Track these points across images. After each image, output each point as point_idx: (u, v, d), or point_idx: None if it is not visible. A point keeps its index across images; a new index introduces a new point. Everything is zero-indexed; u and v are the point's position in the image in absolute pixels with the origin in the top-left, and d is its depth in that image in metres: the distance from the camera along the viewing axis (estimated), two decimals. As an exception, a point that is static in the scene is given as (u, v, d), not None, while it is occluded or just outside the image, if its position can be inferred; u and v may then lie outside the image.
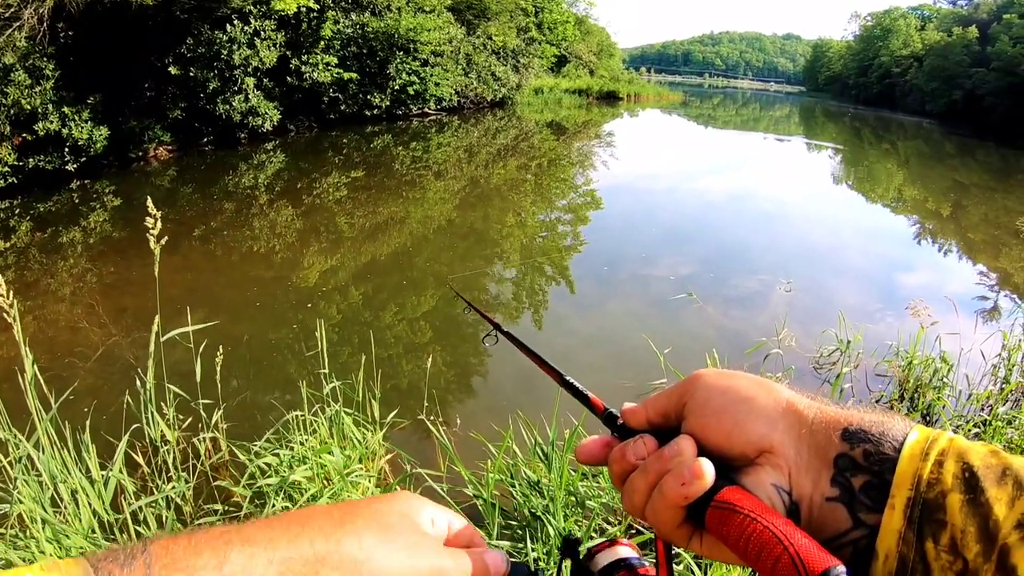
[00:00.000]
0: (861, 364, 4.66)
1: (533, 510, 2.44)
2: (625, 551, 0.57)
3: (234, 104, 13.50)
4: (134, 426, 2.66)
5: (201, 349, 2.85)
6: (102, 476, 2.39)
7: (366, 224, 8.79)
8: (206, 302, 5.83)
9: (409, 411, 3.77)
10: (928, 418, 3.90)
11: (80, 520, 2.25)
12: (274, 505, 2.46)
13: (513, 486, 2.60)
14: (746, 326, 5.69)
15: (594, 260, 7.75)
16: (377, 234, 8.33)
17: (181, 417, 3.02)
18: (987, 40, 42.72)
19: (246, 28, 13.37)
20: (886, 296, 6.99)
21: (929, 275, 8.30)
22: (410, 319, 5.65)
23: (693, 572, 2.10)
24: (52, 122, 9.95)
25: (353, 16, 17.11)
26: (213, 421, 2.97)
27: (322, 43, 15.76)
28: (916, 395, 4.11)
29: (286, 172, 12.30)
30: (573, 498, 2.53)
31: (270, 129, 14.68)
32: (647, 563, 0.55)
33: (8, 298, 2.13)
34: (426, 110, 20.61)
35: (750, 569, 0.37)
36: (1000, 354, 4.24)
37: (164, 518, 2.41)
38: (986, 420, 3.55)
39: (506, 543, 2.38)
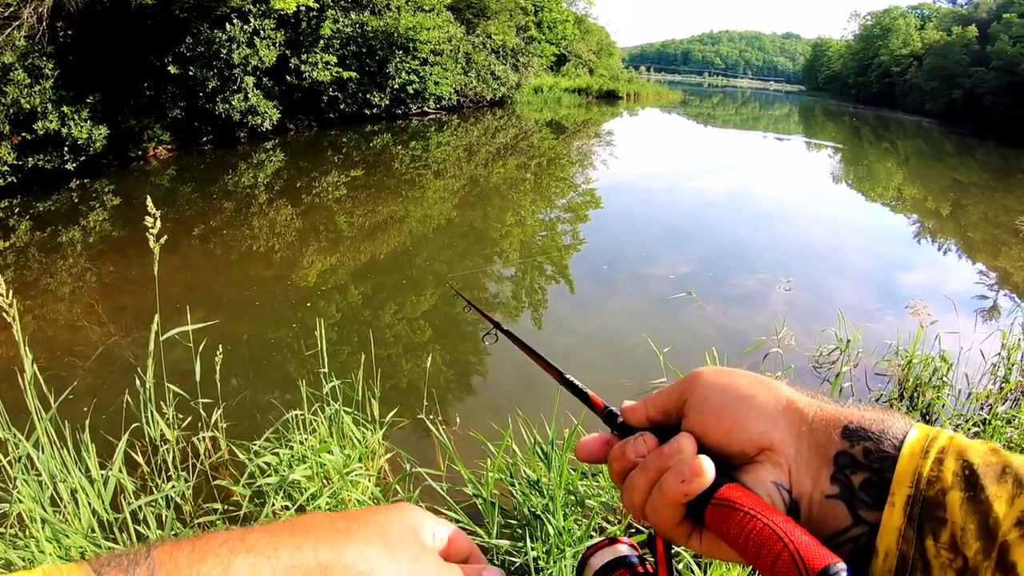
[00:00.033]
0: (861, 363, 4.66)
1: (533, 509, 2.44)
2: (625, 549, 0.57)
3: (233, 103, 13.49)
4: (134, 425, 2.66)
5: (200, 348, 2.85)
6: (102, 475, 2.39)
7: (365, 223, 8.79)
8: (205, 301, 5.83)
9: (409, 410, 3.77)
10: (928, 417, 3.90)
11: (80, 519, 2.25)
12: (274, 504, 2.46)
13: (513, 485, 2.60)
14: (746, 325, 5.69)
15: (594, 259, 7.75)
16: (376, 233, 8.33)
17: (181, 416, 3.03)
18: (987, 39, 42.73)
19: (245, 27, 13.36)
20: (886, 295, 6.99)
21: (929, 274, 8.30)
22: (409, 318, 5.65)
23: (693, 571, 2.10)
24: (51, 121, 9.94)
25: (352, 15, 17.10)
26: (213, 420, 2.97)
27: (321, 42, 15.75)
28: (916, 394, 4.11)
29: (285, 171, 12.30)
30: (573, 497, 2.53)
31: (269, 128, 14.67)
32: (647, 561, 0.55)
33: (7, 297, 2.13)
34: (425, 109, 20.60)
35: (750, 568, 0.38)
36: (1000, 353, 4.24)
37: (164, 517, 2.41)
38: (985, 419, 3.56)
39: (505, 542, 2.38)
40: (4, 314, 2.14)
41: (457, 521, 2.47)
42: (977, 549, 0.35)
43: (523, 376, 4.53)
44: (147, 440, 2.75)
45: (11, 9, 9.68)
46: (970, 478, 0.37)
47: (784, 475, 0.42)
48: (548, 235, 8.80)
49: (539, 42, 29.77)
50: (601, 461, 0.50)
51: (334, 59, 16.02)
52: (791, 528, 0.38)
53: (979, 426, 3.55)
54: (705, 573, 2.11)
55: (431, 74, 19.48)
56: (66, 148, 10.32)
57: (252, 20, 13.48)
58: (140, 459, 2.73)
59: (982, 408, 3.85)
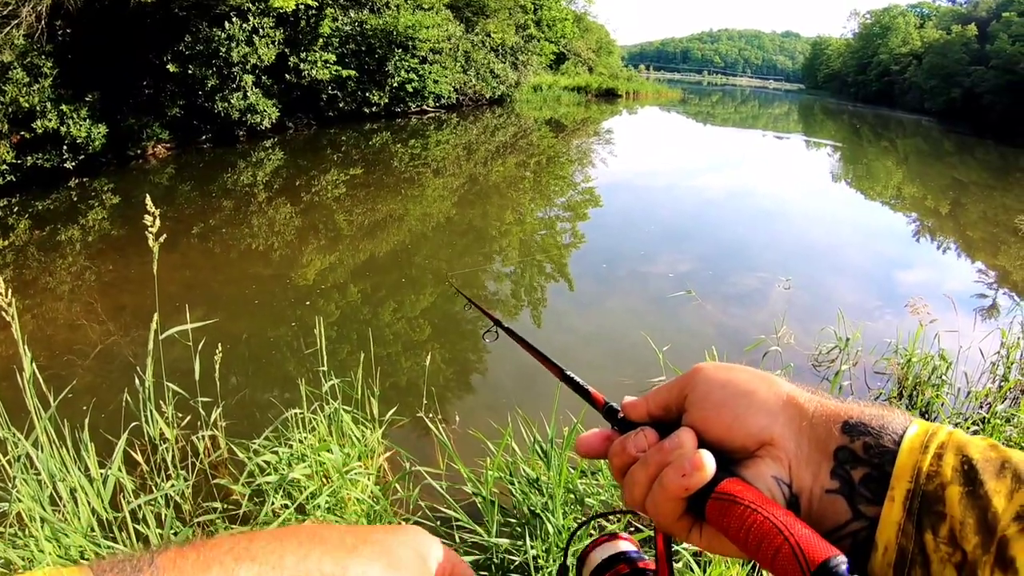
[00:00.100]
0: (860, 362, 4.66)
1: (532, 508, 2.44)
2: (625, 545, 0.57)
3: (232, 102, 13.48)
4: (133, 424, 2.66)
5: (200, 347, 2.85)
6: (101, 474, 2.39)
7: (365, 221, 8.78)
8: (205, 300, 5.82)
9: (408, 409, 3.77)
10: (927, 416, 3.90)
11: (79, 519, 2.25)
12: (273, 503, 2.46)
13: (512, 484, 2.60)
14: (745, 324, 5.69)
15: (593, 257, 7.75)
16: (376, 231, 8.33)
17: (180, 415, 3.02)
18: (986, 38, 42.74)
19: (244, 25, 13.35)
20: (885, 294, 6.99)
21: (928, 273, 8.30)
22: (409, 317, 5.65)
23: (692, 570, 2.10)
24: (50, 120, 9.93)
25: (352, 13, 17.09)
26: (212, 419, 2.97)
27: (320, 40, 15.73)
28: (915, 393, 4.12)
29: (284, 170, 12.29)
30: (572, 495, 2.53)
31: (268, 127, 14.66)
32: (647, 557, 0.56)
33: (7, 296, 2.12)
34: (425, 107, 20.58)
35: (749, 567, 0.38)
36: (999, 352, 4.25)
37: (163, 516, 2.41)
38: (985, 418, 3.56)
39: (505, 540, 2.38)
40: (3, 313, 2.14)
41: (456, 520, 2.47)
42: (976, 543, 0.35)
43: (522, 374, 4.53)
44: (146, 439, 2.75)
45: (10, 8, 9.66)
46: (969, 473, 0.37)
47: (784, 470, 0.42)
48: (547, 233, 8.80)
49: (538, 40, 29.73)
50: (601, 456, 0.50)
51: (333, 57, 16.01)
52: (791, 521, 0.38)
53: (978, 424, 3.55)
54: (705, 572, 2.11)
55: (430, 72, 19.47)
56: (65, 147, 10.31)
57: (251, 18, 13.47)
58: (139, 458, 2.73)
59: (981, 407, 3.85)
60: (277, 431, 2.85)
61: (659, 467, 0.44)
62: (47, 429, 2.29)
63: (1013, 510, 0.35)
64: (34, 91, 9.85)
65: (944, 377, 4.05)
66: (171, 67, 12.49)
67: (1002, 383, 4.03)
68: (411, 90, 18.90)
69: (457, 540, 2.46)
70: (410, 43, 18.03)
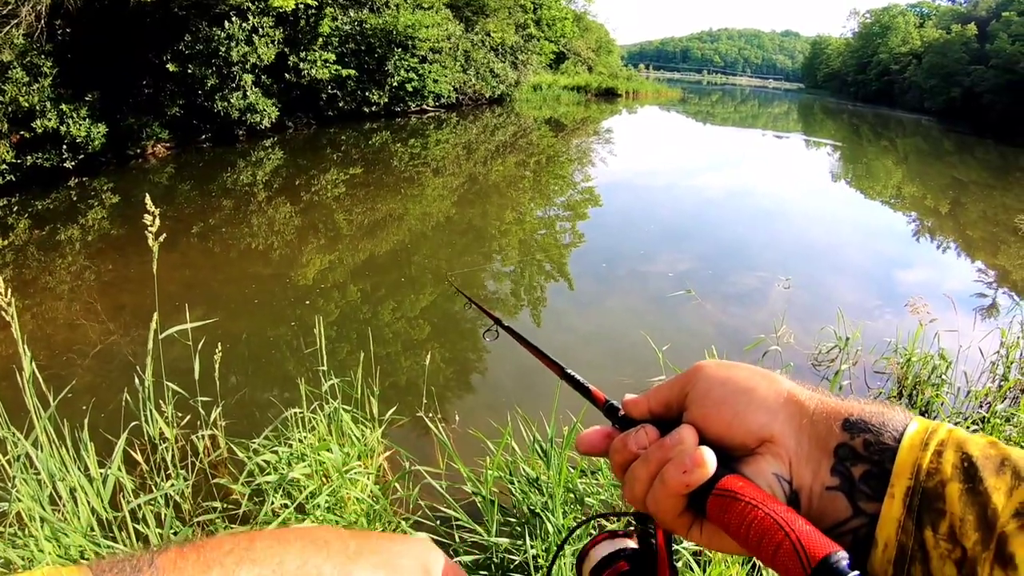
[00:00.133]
0: (860, 361, 4.66)
1: (532, 507, 2.44)
2: (626, 542, 0.57)
3: (232, 101, 13.48)
4: (133, 424, 2.66)
5: (199, 346, 2.85)
6: (101, 474, 2.39)
7: (364, 221, 8.78)
8: (204, 299, 5.82)
9: (408, 408, 3.77)
10: (926, 415, 3.89)
11: (79, 518, 2.25)
12: (273, 502, 2.46)
13: (512, 483, 2.60)
14: (745, 323, 5.70)
15: (593, 257, 7.75)
16: (375, 231, 8.32)
17: (180, 414, 3.02)
18: (986, 38, 42.75)
19: (244, 25, 13.34)
20: (885, 293, 6.99)
21: (928, 272, 8.30)
22: (408, 316, 5.65)
23: (692, 569, 2.10)
24: (50, 119, 9.93)
25: (351, 13, 17.08)
26: (212, 418, 2.97)
27: (320, 40, 15.72)
28: (915, 392, 4.12)
29: (284, 169, 12.28)
30: (572, 495, 2.53)
31: (268, 126, 14.65)
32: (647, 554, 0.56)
33: (6, 296, 2.12)
34: (424, 107, 20.58)
35: (749, 567, 0.38)
36: (998, 351, 4.25)
37: (163, 516, 2.41)
38: (984, 417, 3.56)
39: (505, 540, 2.38)
40: (3, 312, 2.13)
41: (456, 519, 2.47)
42: (976, 540, 0.35)
43: (522, 374, 4.53)
44: (146, 438, 2.75)
45: (9, 7, 9.65)
46: (969, 470, 0.37)
47: (784, 467, 0.42)
48: (547, 233, 8.80)
49: (538, 40, 29.73)
50: (602, 454, 0.50)
51: (333, 57, 16.00)
52: (792, 517, 0.38)
53: (978, 424, 3.55)
54: (705, 572, 2.12)
55: (430, 72, 19.46)
56: (65, 146, 10.30)
57: (251, 18, 13.46)
58: (139, 457, 2.73)
59: (981, 406, 3.85)
60: (277, 430, 2.85)
61: (660, 464, 0.44)
62: (47, 429, 2.29)
63: (1013, 507, 0.35)
64: (34, 90, 9.84)
65: (944, 376, 4.05)
66: (171, 66, 12.49)
67: (1002, 382, 4.04)
68: (411, 89, 18.90)
69: (457, 540, 2.46)
70: (410, 42, 18.03)
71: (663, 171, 14.78)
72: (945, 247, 9.93)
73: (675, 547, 2.21)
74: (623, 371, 4.57)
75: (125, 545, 2.32)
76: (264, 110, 14.18)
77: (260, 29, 13.71)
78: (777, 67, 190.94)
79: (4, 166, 9.45)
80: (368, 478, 2.67)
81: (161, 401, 2.78)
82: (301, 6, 14.29)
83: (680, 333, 5.46)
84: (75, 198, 9.69)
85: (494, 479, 2.55)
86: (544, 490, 2.50)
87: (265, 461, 2.64)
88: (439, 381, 4.47)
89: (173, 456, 2.66)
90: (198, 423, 2.97)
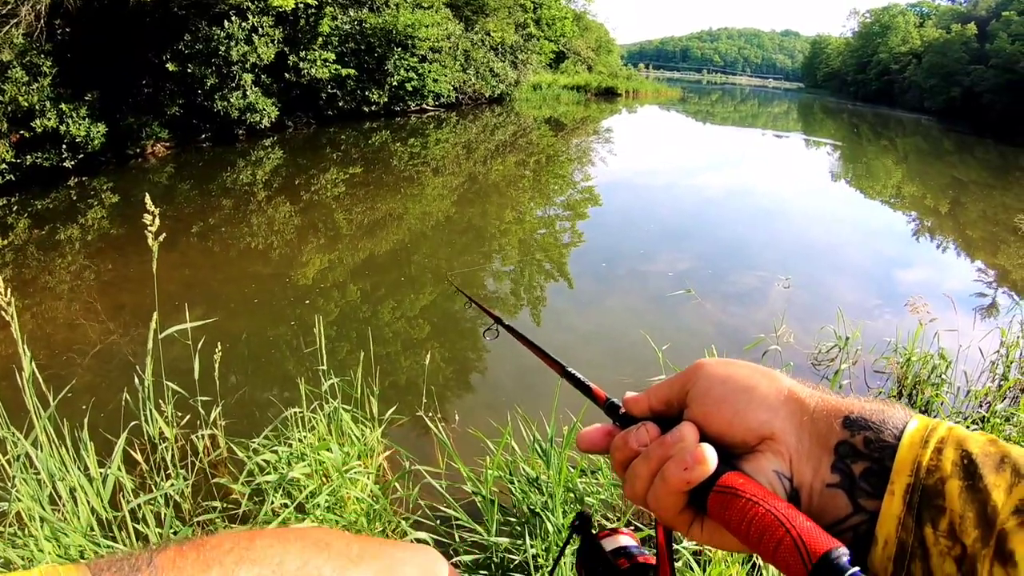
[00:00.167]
0: (859, 361, 4.66)
1: (532, 506, 2.44)
2: (626, 540, 0.57)
3: (232, 101, 13.47)
4: (132, 423, 2.66)
5: (199, 346, 2.85)
6: (100, 474, 2.38)
7: (364, 220, 8.78)
8: (204, 299, 5.82)
9: (408, 407, 3.77)
10: (926, 414, 3.88)
11: (79, 518, 2.25)
12: (273, 502, 2.46)
13: (512, 482, 2.60)
14: (744, 322, 5.70)
15: (592, 256, 7.75)
16: (375, 230, 8.32)
17: (179, 414, 3.02)
18: (986, 37, 42.77)
19: (244, 24, 13.34)
20: (885, 293, 6.99)
21: (927, 272, 8.30)
22: (408, 315, 5.65)
23: (692, 569, 2.10)
24: (50, 119, 9.93)
25: (351, 12, 17.08)
26: (211, 418, 2.97)
27: (320, 39, 15.72)
28: (914, 391, 4.12)
29: (284, 168, 12.28)
30: (572, 494, 2.53)
31: (268, 126, 14.65)
32: (647, 552, 0.56)
33: (6, 295, 2.12)
34: (424, 106, 20.57)
35: (749, 567, 0.38)
36: (998, 351, 4.25)
37: (163, 515, 2.41)
38: (984, 416, 3.56)
39: (504, 539, 2.38)
40: (2, 312, 2.13)
41: (456, 519, 2.47)
42: (975, 537, 0.35)
43: (522, 373, 4.53)
44: (146, 438, 2.75)
45: (9, 7, 9.65)
46: (969, 467, 0.37)
47: (785, 464, 0.42)
48: (547, 232, 8.80)
49: (538, 39, 29.73)
50: (602, 452, 0.50)
51: (332, 56, 15.99)
52: (793, 514, 0.38)
53: (978, 424, 3.55)
54: (705, 571, 2.12)
55: (430, 71, 19.45)
56: (64, 146, 10.30)
57: (250, 17, 13.46)
58: (139, 457, 2.73)
59: (981, 406, 3.86)
60: (277, 430, 2.85)
61: (661, 461, 0.44)
62: (46, 428, 2.29)
63: (1012, 504, 0.35)
64: (33, 90, 9.84)
65: (944, 376, 4.05)
66: (170, 66, 12.48)
67: (1002, 382, 4.04)
68: (410, 89, 18.90)
69: (457, 539, 2.46)
70: (409, 42, 18.02)
71: (663, 170, 14.78)
72: (945, 247, 9.93)
73: (675, 546, 2.21)
74: (623, 370, 4.57)
75: (125, 545, 2.32)
76: (264, 109, 14.18)
77: (260, 28, 13.71)
78: (777, 67, 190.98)
79: (4, 166, 9.45)
80: (368, 478, 2.66)
81: (161, 401, 2.78)
82: (301, 5, 14.28)
83: (680, 332, 5.46)
84: (75, 198, 9.68)
85: (494, 479, 2.55)
86: (544, 489, 2.50)
87: (265, 461, 2.64)
88: (439, 381, 4.47)
89: (173, 456, 2.66)
90: (198, 423, 2.97)
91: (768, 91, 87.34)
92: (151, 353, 2.52)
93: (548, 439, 2.63)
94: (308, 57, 15.37)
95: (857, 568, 0.35)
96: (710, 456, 0.41)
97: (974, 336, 4.26)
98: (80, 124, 10.31)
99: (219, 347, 2.89)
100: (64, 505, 2.25)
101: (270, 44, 14.02)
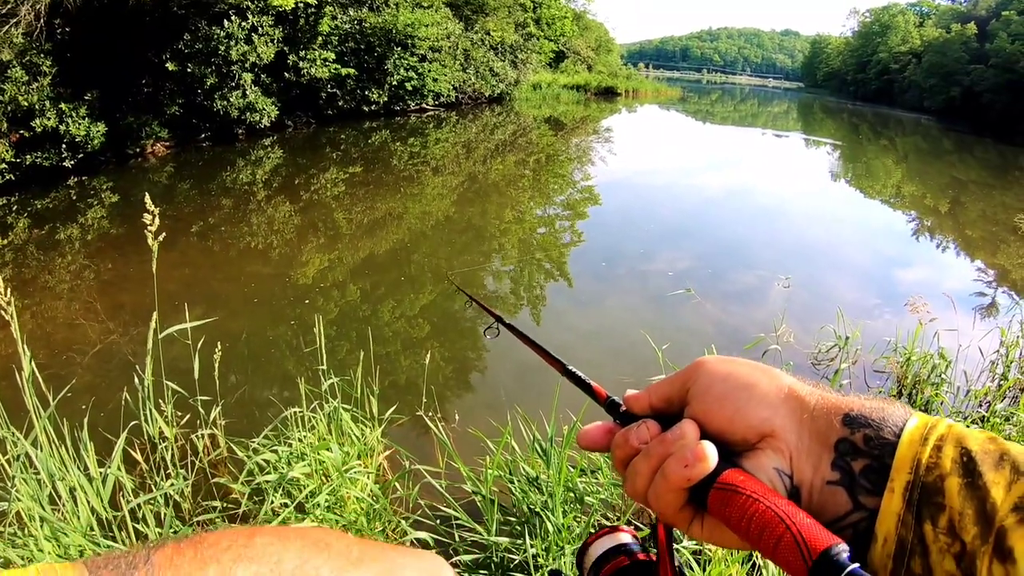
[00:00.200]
0: (859, 360, 4.66)
1: (532, 506, 2.44)
2: (626, 537, 0.57)
3: (231, 100, 13.47)
4: (132, 423, 2.66)
5: (199, 345, 2.85)
6: (100, 473, 2.38)
7: (364, 220, 8.78)
8: (204, 298, 5.82)
9: (407, 407, 3.77)
10: (926, 413, 3.90)
11: (78, 518, 2.25)
12: (272, 502, 2.46)
13: (512, 482, 2.60)
14: (744, 322, 5.70)
15: (592, 256, 7.75)
16: (375, 230, 8.32)
17: (179, 414, 3.03)
18: (985, 37, 42.79)
19: (243, 24, 13.33)
20: (884, 292, 6.99)
21: (927, 271, 8.31)
22: (408, 315, 5.65)
23: (692, 568, 2.10)
24: (49, 119, 9.92)
25: (351, 11, 17.07)
26: (211, 418, 2.97)
27: (320, 39, 15.71)
28: (914, 391, 4.12)
29: (284, 168, 12.28)
30: (572, 494, 2.53)
31: (267, 125, 14.64)
32: (647, 549, 0.56)
33: (5, 295, 2.12)
34: (424, 106, 20.57)
35: (749, 566, 0.38)
36: (998, 351, 4.25)
37: (163, 515, 2.41)
38: (984, 416, 3.57)
39: (504, 539, 2.38)
40: (2, 312, 2.13)
41: (456, 518, 2.47)
42: (975, 534, 0.35)
43: (522, 373, 4.53)
44: (146, 438, 2.75)
45: (9, 6, 9.65)
46: (968, 465, 0.38)
47: (785, 461, 0.42)
48: (547, 232, 8.80)
49: (537, 39, 29.73)
50: (603, 449, 0.51)
51: (332, 56, 15.99)
52: (793, 511, 0.38)
53: (977, 423, 3.55)
54: (704, 571, 2.12)
55: (429, 71, 19.45)
56: (64, 145, 10.30)
57: (250, 17, 13.45)
58: (139, 457, 2.73)
59: (981, 405, 3.86)
60: (276, 430, 2.85)
61: (661, 458, 0.44)
62: (46, 428, 2.29)
63: (1011, 501, 0.35)
64: (33, 90, 9.84)
65: (943, 376, 4.05)
66: (170, 65, 12.48)
67: (1001, 381, 4.04)
68: (410, 88, 18.89)
69: (457, 539, 2.46)
70: (409, 41, 18.02)
71: (663, 170, 14.78)
72: (945, 246, 9.93)
73: (675, 546, 2.20)
74: (622, 370, 4.58)
75: (125, 545, 2.32)
76: (263, 109, 14.17)
77: (259, 28, 13.70)
78: (777, 66, 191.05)
79: (4, 165, 9.44)
80: (368, 477, 2.66)
81: (161, 400, 2.78)
82: (300, 5, 14.28)
83: (680, 332, 5.46)
84: (74, 197, 9.68)
85: (494, 478, 2.55)
86: (544, 489, 2.50)
87: (265, 460, 2.64)
88: (439, 380, 4.47)
89: (173, 455, 2.66)
90: (198, 422, 2.97)
91: (768, 91, 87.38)
92: (151, 353, 2.52)
93: (548, 439, 2.63)
94: (308, 56, 15.37)
95: (857, 564, 0.35)
96: (711, 453, 0.42)
97: (974, 336, 4.26)
98: (80, 124, 10.30)
99: (219, 347, 2.89)
100: (64, 505, 2.25)
101: (270, 43, 14.01)
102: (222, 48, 12.93)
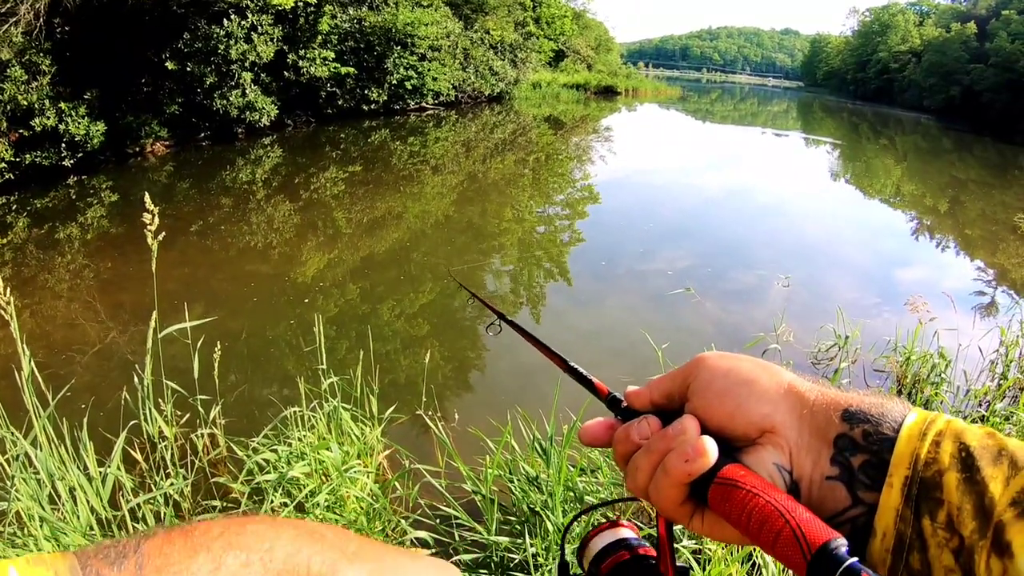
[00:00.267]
0: (859, 359, 4.66)
1: (532, 505, 2.44)
2: (626, 532, 0.57)
3: (231, 99, 13.46)
4: (132, 422, 2.66)
5: (199, 345, 2.85)
6: (100, 473, 2.38)
7: (363, 219, 8.78)
8: (203, 298, 5.82)
9: (407, 406, 3.77)
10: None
11: (78, 517, 2.25)
12: (272, 501, 2.46)
13: (512, 481, 2.60)
14: (744, 321, 5.70)
15: (592, 255, 7.75)
16: (374, 229, 8.32)
17: (179, 413, 3.02)
18: (985, 36, 42.79)
19: (243, 23, 13.32)
20: (884, 292, 6.99)
21: (927, 271, 8.31)
22: (408, 314, 5.65)
23: (692, 568, 2.10)
24: (49, 118, 9.91)
25: (350, 10, 17.06)
26: (211, 417, 2.97)
27: (319, 38, 15.70)
28: (914, 390, 4.12)
29: (283, 167, 12.27)
30: (572, 493, 2.53)
31: (267, 124, 14.64)
32: (647, 544, 0.56)
33: (5, 295, 2.12)
34: (423, 105, 20.56)
35: (749, 566, 0.38)
36: (998, 350, 4.25)
37: (162, 515, 2.41)
38: (984, 416, 3.57)
39: (504, 539, 2.38)
40: (2, 311, 2.13)
41: (456, 518, 2.47)
42: (973, 528, 0.36)
43: (522, 372, 4.53)
44: (145, 437, 2.74)
45: (8, 5, 9.63)
46: (967, 460, 0.38)
47: (785, 457, 0.43)
48: (546, 231, 8.80)
49: (537, 38, 29.72)
50: (604, 445, 0.51)
51: (332, 55, 15.98)
52: (792, 505, 0.39)
53: (977, 423, 3.53)
54: (704, 570, 2.12)
55: (429, 70, 19.44)
56: (63, 145, 10.29)
57: (250, 16, 13.44)
58: (138, 456, 2.73)
59: (980, 404, 3.86)
60: (276, 429, 2.85)
61: (662, 454, 0.44)
62: (46, 428, 2.28)
63: (1009, 496, 0.35)
64: (32, 89, 9.84)
65: (943, 375, 4.05)
66: (169, 64, 12.47)
67: (1001, 381, 4.04)
68: (410, 87, 18.89)
69: (456, 538, 2.46)
70: (409, 40, 18.01)
71: (662, 169, 14.77)
72: (944, 245, 9.94)
73: (675, 545, 2.20)
74: (622, 369, 4.58)
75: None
76: (263, 108, 14.16)
77: (259, 27, 13.69)
78: (776, 65, 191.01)
79: (3, 164, 9.43)
80: (368, 477, 2.67)
81: (160, 400, 2.78)
82: (300, 4, 14.26)
83: (679, 331, 5.46)
84: (74, 196, 9.68)
85: (494, 477, 2.55)
86: (544, 488, 2.50)
87: (264, 460, 2.64)
88: (438, 379, 4.47)
89: (172, 455, 2.66)
90: (197, 422, 2.97)
91: (768, 90, 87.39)
92: (150, 352, 2.52)
93: (548, 438, 2.63)
94: (307, 56, 15.36)
95: (855, 559, 0.35)
96: (711, 448, 0.42)
97: (974, 335, 4.26)
98: (79, 123, 10.30)
99: (218, 346, 2.89)
100: (63, 504, 2.25)
101: (269, 42, 14.00)
102: (222, 47, 12.92)
